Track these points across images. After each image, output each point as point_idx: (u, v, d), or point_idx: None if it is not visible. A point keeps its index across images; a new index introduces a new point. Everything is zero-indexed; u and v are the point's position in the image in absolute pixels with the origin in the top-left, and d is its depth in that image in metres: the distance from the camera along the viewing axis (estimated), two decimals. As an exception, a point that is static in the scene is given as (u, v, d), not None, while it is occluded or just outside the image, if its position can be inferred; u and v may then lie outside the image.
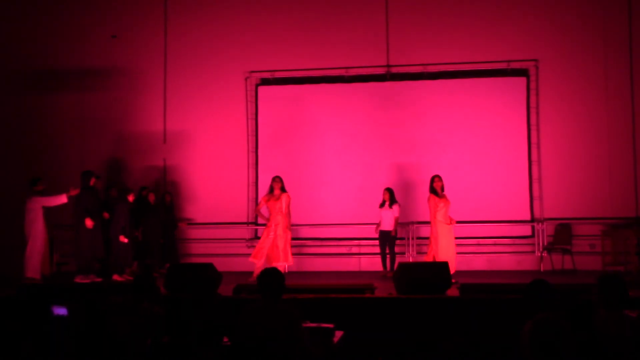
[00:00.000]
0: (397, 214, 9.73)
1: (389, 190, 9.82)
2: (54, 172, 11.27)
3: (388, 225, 9.71)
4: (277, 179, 8.98)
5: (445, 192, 8.79)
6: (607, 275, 3.79)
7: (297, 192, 10.99)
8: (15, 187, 11.43)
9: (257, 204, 10.20)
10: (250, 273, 8.82)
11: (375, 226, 9.86)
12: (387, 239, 9.70)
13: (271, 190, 8.93)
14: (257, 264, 8.74)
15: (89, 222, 8.81)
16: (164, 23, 11.61)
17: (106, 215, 9.32)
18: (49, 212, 9.08)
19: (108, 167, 11.40)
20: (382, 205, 9.81)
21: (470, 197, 10.44)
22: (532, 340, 2.81)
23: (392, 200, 9.77)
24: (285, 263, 8.74)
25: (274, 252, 8.79)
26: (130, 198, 9.47)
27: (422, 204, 10.69)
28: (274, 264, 8.60)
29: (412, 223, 10.52)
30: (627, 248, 9.89)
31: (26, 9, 11.95)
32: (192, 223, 11.27)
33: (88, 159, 11.40)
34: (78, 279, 8.69)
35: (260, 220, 9.14)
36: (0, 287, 7.55)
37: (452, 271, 8.26)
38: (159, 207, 10.41)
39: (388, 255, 9.74)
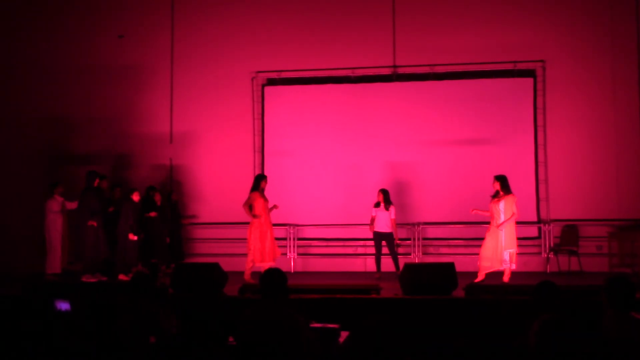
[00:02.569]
0: (393, 216, 9.60)
1: (384, 192, 9.67)
2: (60, 170, 11.36)
3: (383, 226, 9.56)
4: (267, 179, 9.06)
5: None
6: (615, 276, 3.77)
7: (303, 192, 11.02)
8: (20, 185, 11.54)
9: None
10: (254, 273, 8.83)
11: (369, 226, 9.69)
12: (384, 241, 9.57)
13: (259, 188, 8.87)
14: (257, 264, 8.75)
15: (92, 223, 8.97)
16: (171, 23, 11.63)
17: (110, 209, 9.42)
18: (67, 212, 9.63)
19: (114, 167, 11.43)
20: (377, 205, 9.70)
21: (475, 198, 10.39)
22: (539, 340, 2.80)
23: (388, 202, 9.64)
24: (274, 262, 8.75)
25: (272, 251, 8.83)
26: (136, 197, 9.49)
27: (428, 205, 10.70)
28: (272, 263, 8.65)
29: (419, 224, 10.50)
30: (634, 250, 9.85)
31: (33, 8, 12.00)
32: (197, 223, 11.28)
33: (94, 157, 11.47)
34: (84, 278, 8.73)
35: (247, 218, 9.04)
36: (16, 284, 7.58)
37: (481, 274, 8.25)
38: (165, 206, 10.43)
39: (382, 257, 9.61)
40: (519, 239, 10.09)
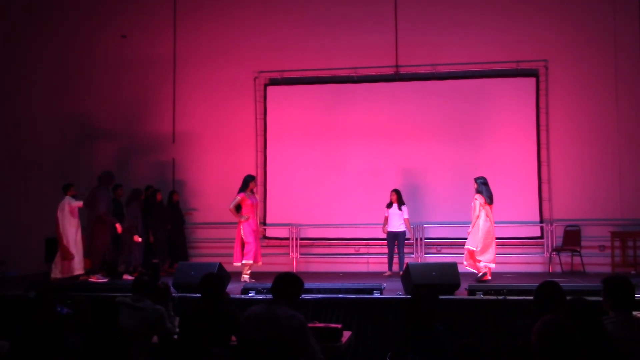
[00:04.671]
0: (407, 215, 9.71)
1: (397, 192, 9.79)
2: (64, 171, 11.37)
3: (397, 226, 9.66)
4: (256, 179, 8.99)
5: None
6: (615, 277, 3.77)
7: (305, 192, 11.02)
8: (25, 186, 11.57)
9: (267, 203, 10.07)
10: (257, 273, 8.86)
11: (382, 226, 9.81)
12: (398, 240, 9.66)
13: (247, 188, 8.68)
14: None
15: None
16: (173, 23, 11.64)
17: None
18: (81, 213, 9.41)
19: (117, 166, 11.42)
20: (389, 205, 9.78)
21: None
22: (541, 340, 2.80)
23: (401, 202, 9.74)
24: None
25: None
26: (142, 198, 9.57)
27: (430, 205, 10.70)
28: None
29: (421, 224, 10.50)
30: (636, 250, 9.85)
31: (35, 9, 12.02)
32: (200, 223, 11.29)
33: (97, 157, 11.49)
34: (94, 278, 8.75)
35: (235, 219, 8.84)
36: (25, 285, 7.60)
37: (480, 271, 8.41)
38: (166, 206, 10.43)
39: (395, 256, 9.71)
40: (522, 238, 10.20)
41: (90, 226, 9.05)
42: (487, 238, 8.27)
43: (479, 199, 8.41)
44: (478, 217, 8.34)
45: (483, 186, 8.48)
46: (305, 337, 3.72)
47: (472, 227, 8.40)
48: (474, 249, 8.28)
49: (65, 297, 5.27)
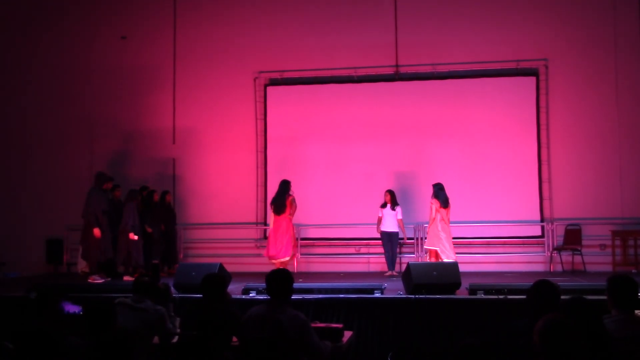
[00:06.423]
0: (400, 216, 9.79)
1: (391, 192, 9.86)
2: (64, 171, 11.39)
3: (391, 226, 9.74)
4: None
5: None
6: (617, 275, 3.77)
7: (306, 192, 11.00)
8: (25, 187, 11.57)
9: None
10: (258, 273, 8.87)
11: (376, 226, 9.88)
12: (392, 240, 9.72)
13: None
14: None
15: (97, 232, 8.94)
16: (173, 23, 11.64)
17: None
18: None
19: (117, 167, 11.43)
20: (383, 206, 9.84)
21: (479, 197, 10.42)
22: (543, 340, 2.80)
23: (395, 202, 9.80)
24: None
25: None
26: (140, 199, 9.56)
27: (429, 204, 10.69)
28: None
29: (422, 224, 10.49)
30: (637, 249, 9.84)
31: (33, 9, 12.02)
32: (200, 223, 11.29)
33: (97, 158, 11.49)
34: (91, 279, 8.75)
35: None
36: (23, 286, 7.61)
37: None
38: (160, 206, 10.38)
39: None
40: (522, 238, 10.23)
41: (85, 227, 9.06)
42: (448, 238, 9.04)
43: (434, 204, 9.15)
44: (434, 219, 9.11)
45: (440, 192, 9.18)
46: (309, 335, 3.74)
47: (429, 227, 9.23)
48: (436, 248, 9.04)
49: (68, 298, 5.28)
